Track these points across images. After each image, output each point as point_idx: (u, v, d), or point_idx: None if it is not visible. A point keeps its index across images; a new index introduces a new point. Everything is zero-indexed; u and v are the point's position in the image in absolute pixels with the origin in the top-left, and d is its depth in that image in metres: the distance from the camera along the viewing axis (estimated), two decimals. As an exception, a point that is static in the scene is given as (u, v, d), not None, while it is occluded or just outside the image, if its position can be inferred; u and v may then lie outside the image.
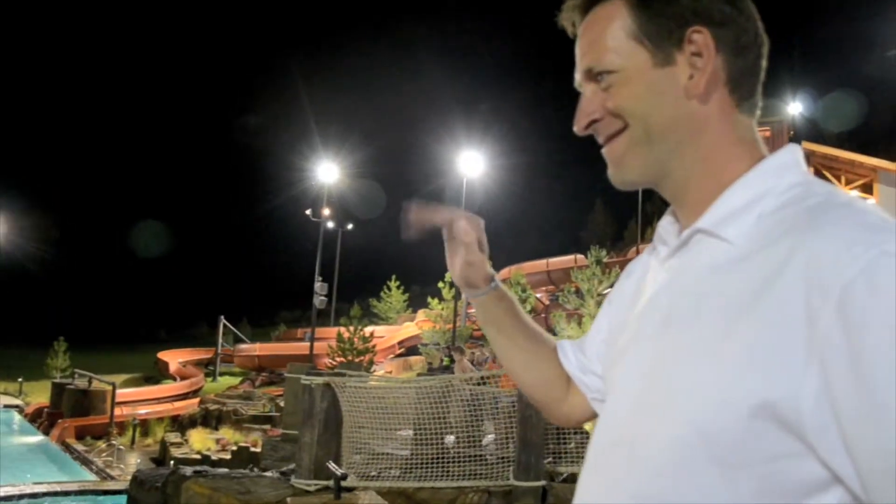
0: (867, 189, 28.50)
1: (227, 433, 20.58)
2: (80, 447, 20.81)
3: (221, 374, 39.21)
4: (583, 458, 1.01)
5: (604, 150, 0.97)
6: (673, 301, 0.88)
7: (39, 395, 28.76)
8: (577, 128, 0.97)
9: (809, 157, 30.02)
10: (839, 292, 0.69)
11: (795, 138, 35.06)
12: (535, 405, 1.33)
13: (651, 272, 0.99)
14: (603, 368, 1.10)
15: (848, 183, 28.87)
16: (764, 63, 0.93)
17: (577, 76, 0.98)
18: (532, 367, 1.26)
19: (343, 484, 6.17)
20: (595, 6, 0.95)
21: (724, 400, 0.75)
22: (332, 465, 6.29)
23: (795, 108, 37.77)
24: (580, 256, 38.21)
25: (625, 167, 0.94)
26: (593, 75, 0.94)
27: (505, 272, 35.49)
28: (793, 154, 0.90)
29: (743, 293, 0.78)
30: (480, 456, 7.61)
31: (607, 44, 0.92)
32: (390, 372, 30.93)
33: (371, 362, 28.07)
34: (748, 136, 0.92)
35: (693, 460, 0.77)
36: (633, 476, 0.83)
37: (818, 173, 29.47)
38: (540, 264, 40.55)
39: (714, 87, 0.89)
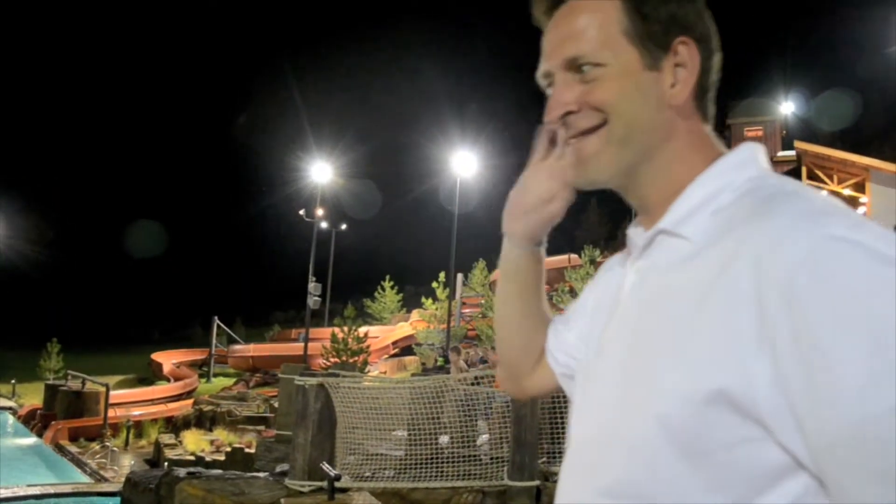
0: (860, 188, 28.60)
1: (221, 434, 20.55)
2: (73, 449, 20.74)
3: (215, 375, 39.16)
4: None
5: (570, 147, 0.96)
6: (640, 301, 0.91)
7: (33, 396, 28.67)
8: (550, 117, 0.96)
9: (802, 156, 30.13)
10: (784, 278, 0.71)
11: (788, 138, 35.19)
12: (502, 371, 1.32)
13: (627, 275, 1.00)
14: (578, 366, 1.09)
15: (840, 182, 28.97)
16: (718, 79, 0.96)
17: (551, 63, 0.95)
18: (526, 333, 1.25)
19: (337, 485, 6.17)
20: None
21: (684, 392, 0.77)
22: (325, 466, 6.29)
23: (788, 107, 37.96)
24: (574, 256, 38.29)
25: (594, 166, 0.94)
26: (576, 65, 0.92)
27: (499, 272, 35.55)
28: (750, 151, 0.92)
29: (699, 287, 0.80)
30: (475, 456, 7.62)
31: (598, 36, 0.91)
32: (385, 372, 30.92)
33: (365, 363, 28.07)
34: (709, 142, 0.95)
35: (663, 454, 0.78)
36: (609, 473, 0.85)
37: (811, 173, 29.58)
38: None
39: (690, 97, 0.92)
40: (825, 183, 29.38)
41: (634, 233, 0.99)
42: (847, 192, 29.06)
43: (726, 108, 37.93)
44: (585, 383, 1.00)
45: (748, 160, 0.90)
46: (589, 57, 0.91)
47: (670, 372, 0.79)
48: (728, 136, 36.76)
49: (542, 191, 1.09)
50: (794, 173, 30.84)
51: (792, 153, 32.30)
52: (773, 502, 0.74)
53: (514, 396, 1.41)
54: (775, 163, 35.05)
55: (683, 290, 0.82)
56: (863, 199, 28.86)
